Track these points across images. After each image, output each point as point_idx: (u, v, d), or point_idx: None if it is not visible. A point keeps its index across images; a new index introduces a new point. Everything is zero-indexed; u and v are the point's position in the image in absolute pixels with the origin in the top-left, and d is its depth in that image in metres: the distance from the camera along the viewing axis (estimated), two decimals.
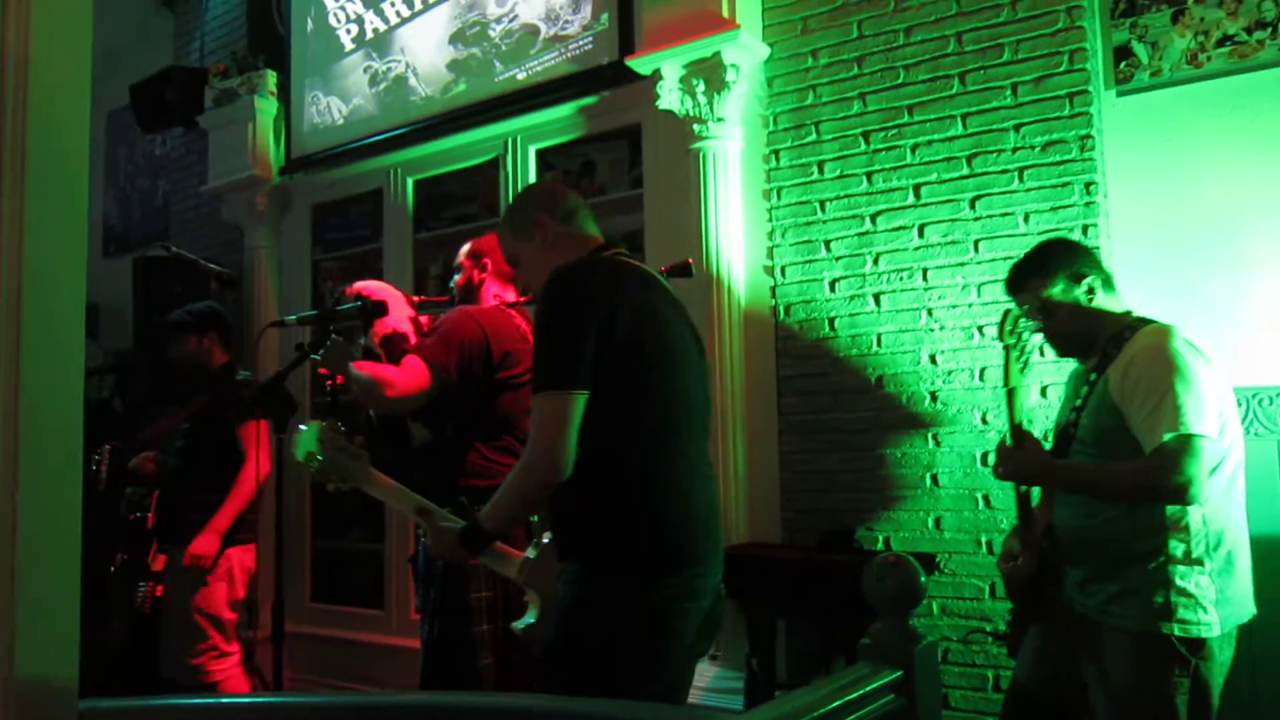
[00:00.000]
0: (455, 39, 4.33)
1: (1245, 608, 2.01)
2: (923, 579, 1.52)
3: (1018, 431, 2.14)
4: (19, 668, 1.22)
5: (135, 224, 6.20)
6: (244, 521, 3.42)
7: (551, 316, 1.80)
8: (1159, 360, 1.94)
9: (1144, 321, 2.08)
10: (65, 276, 1.32)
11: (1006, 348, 2.16)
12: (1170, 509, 1.94)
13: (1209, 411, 1.89)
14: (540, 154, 4.07)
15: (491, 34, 4.18)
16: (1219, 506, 1.97)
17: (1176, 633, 1.92)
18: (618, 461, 1.78)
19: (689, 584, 1.78)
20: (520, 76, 4.06)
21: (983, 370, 2.97)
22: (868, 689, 1.36)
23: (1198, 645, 1.92)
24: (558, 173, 4.12)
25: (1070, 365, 2.31)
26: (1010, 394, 2.16)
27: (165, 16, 5.94)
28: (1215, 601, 1.93)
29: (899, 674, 1.41)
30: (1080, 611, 2.07)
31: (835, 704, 1.28)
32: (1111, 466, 1.99)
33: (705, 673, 3.26)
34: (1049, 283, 2.12)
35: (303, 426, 2.07)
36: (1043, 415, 2.83)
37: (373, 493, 2.08)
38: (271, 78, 5.03)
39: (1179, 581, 1.93)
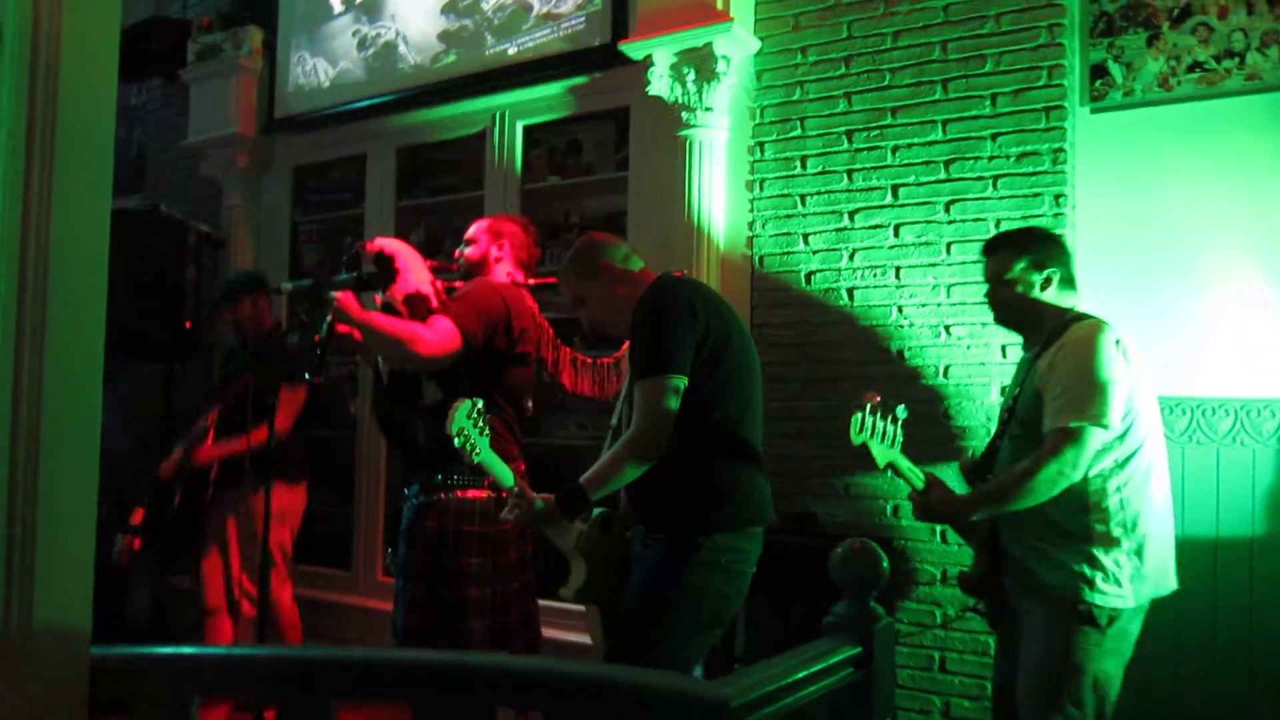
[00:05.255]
0: (447, 9, 4.34)
1: (1162, 584, 2.20)
2: (885, 564, 1.64)
3: (926, 483, 2.23)
4: (37, 617, 1.29)
5: None
6: (293, 459, 3.63)
7: (658, 317, 2.16)
8: (1079, 353, 2.12)
9: (1081, 317, 2.25)
10: (89, 240, 1.38)
11: (864, 444, 2.21)
12: (1091, 491, 2.11)
13: (1114, 404, 2.07)
14: (527, 130, 4.12)
15: (484, 6, 4.21)
16: (1136, 492, 2.15)
17: (1096, 601, 2.10)
18: (708, 442, 2.14)
19: (755, 541, 2.22)
20: (511, 51, 4.10)
21: (947, 368, 3.10)
22: (829, 662, 1.47)
23: (1110, 617, 2.11)
24: (544, 150, 4.17)
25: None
26: (892, 468, 2.23)
27: None
28: (1131, 578, 2.12)
29: (858, 650, 1.53)
30: (1012, 593, 2.26)
31: (800, 675, 1.40)
32: (1004, 478, 2.16)
33: None
34: (1016, 257, 2.30)
35: (458, 405, 2.25)
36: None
37: (486, 461, 2.28)
38: (257, 35, 5.00)
39: (1099, 558, 2.11)
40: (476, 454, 2.23)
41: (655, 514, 2.20)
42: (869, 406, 2.21)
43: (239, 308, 3.73)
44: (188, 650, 1.44)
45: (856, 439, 2.22)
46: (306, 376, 2.65)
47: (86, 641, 1.34)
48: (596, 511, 2.22)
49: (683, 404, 2.11)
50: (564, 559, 2.31)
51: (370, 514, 4.37)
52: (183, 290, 4.43)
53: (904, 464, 2.23)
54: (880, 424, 2.21)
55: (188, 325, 4.35)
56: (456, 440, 2.21)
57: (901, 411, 2.20)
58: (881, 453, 2.21)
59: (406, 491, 2.68)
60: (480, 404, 2.26)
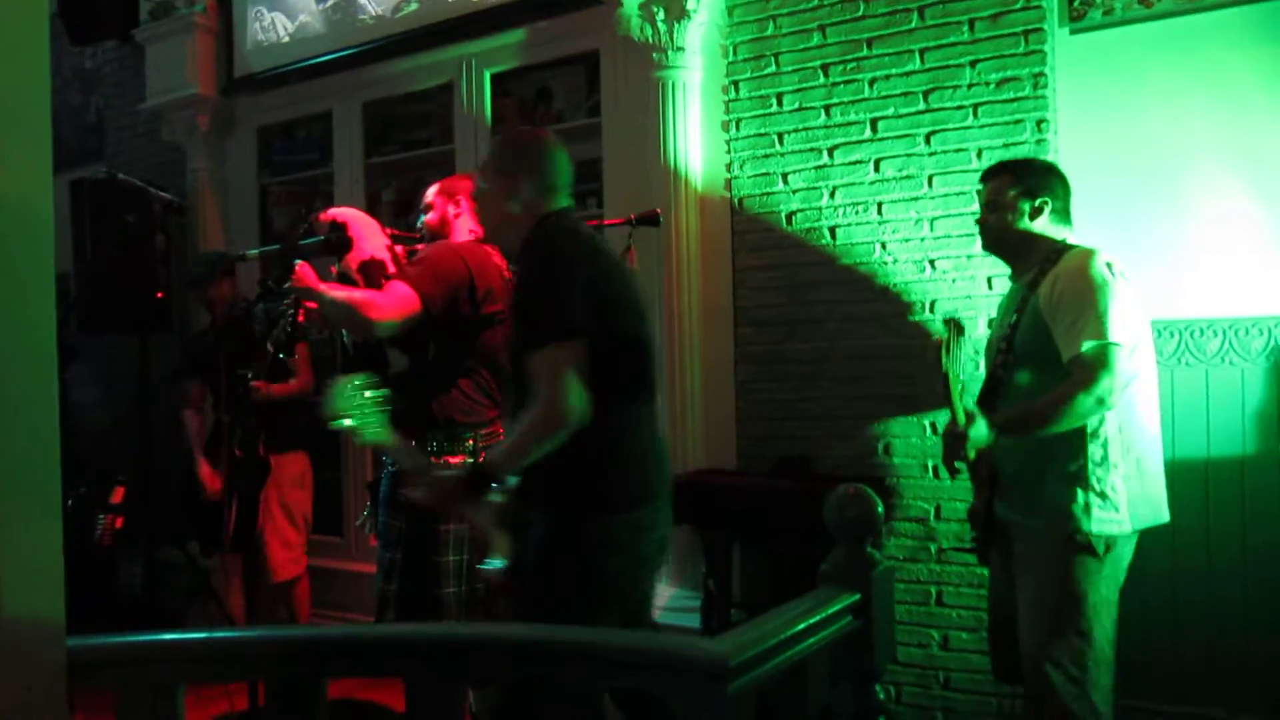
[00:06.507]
0: None
1: (1156, 513, 2.22)
2: (880, 509, 1.61)
3: (967, 415, 2.19)
4: (6, 607, 1.24)
5: (66, 142, 5.94)
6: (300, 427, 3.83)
7: (543, 271, 1.94)
8: (1080, 279, 2.14)
9: (1071, 247, 2.27)
10: (32, 193, 1.30)
11: (945, 375, 2.18)
12: (1090, 419, 2.12)
13: (1121, 323, 2.09)
14: (495, 79, 4.00)
15: None
16: (1132, 417, 2.18)
17: (1094, 530, 2.13)
18: (600, 410, 1.90)
19: (653, 515, 2.01)
20: None
21: (933, 303, 3.06)
22: (828, 612, 1.45)
23: (1108, 545, 2.14)
24: (513, 99, 4.06)
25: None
26: (950, 403, 2.18)
27: None
28: (1128, 502, 2.15)
29: (857, 598, 1.50)
30: (1007, 520, 2.27)
31: (799, 627, 1.37)
32: (1040, 404, 2.14)
33: (664, 593, 3.38)
34: (1010, 184, 2.32)
35: (335, 386, 2.11)
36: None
37: (388, 445, 2.15)
38: None
39: (1096, 484, 2.14)
40: (362, 436, 2.05)
41: (543, 488, 1.99)
42: (953, 329, 2.20)
43: (220, 287, 3.86)
44: (170, 636, 1.40)
45: (944, 367, 2.19)
46: (281, 355, 2.59)
47: (61, 633, 1.30)
48: (513, 480, 2.02)
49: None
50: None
51: (359, 480, 4.33)
52: (153, 260, 4.32)
53: (958, 392, 2.21)
54: (959, 350, 2.20)
55: (159, 296, 4.24)
56: (333, 424, 2.04)
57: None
58: (955, 378, 2.20)
59: (384, 459, 2.65)
60: (362, 380, 2.06)
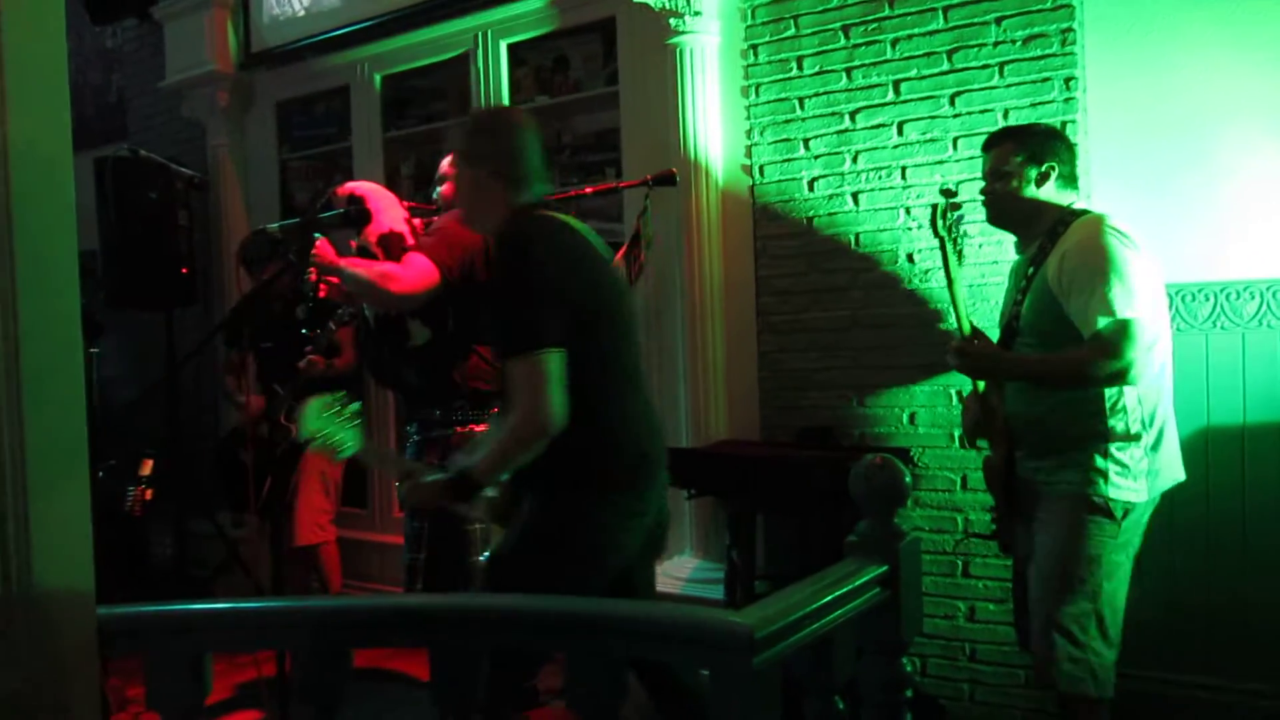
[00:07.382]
0: None
1: (1172, 476, 2.21)
2: (907, 479, 1.59)
3: (972, 330, 2.28)
4: (37, 582, 1.25)
5: (89, 120, 5.97)
6: None
7: (512, 279, 1.92)
8: (1092, 250, 2.09)
9: (1078, 214, 2.21)
10: (53, 171, 1.30)
11: (941, 239, 2.26)
12: (1109, 391, 2.11)
13: (1140, 295, 2.04)
14: (512, 49, 3.96)
15: None
16: (1152, 386, 2.15)
17: (1111, 495, 2.11)
18: (578, 404, 1.89)
19: (633, 503, 1.99)
20: None
21: None
22: (855, 584, 1.43)
23: (1125, 510, 2.13)
24: (530, 68, 4.02)
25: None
26: (951, 287, 2.28)
27: None
28: (1146, 473, 2.13)
29: (884, 569, 1.48)
30: (1026, 480, 2.26)
31: (825, 599, 1.35)
32: (1056, 355, 2.14)
33: (687, 564, 3.38)
34: (1014, 151, 2.27)
35: (306, 406, 2.10)
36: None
37: (366, 458, 2.18)
38: None
39: (1116, 454, 2.12)
40: (342, 453, 2.07)
41: (533, 473, 1.97)
42: (946, 199, 2.19)
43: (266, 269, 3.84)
44: (197, 606, 1.41)
45: (937, 232, 2.22)
46: (303, 331, 2.62)
47: (91, 603, 1.32)
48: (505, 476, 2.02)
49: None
50: None
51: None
52: (176, 236, 4.34)
53: (960, 291, 2.20)
54: (959, 228, 2.20)
55: (184, 271, 4.27)
56: (315, 444, 2.07)
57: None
58: (953, 261, 2.18)
59: (408, 429, 2.68)
60: (337, 397, 2.08)
